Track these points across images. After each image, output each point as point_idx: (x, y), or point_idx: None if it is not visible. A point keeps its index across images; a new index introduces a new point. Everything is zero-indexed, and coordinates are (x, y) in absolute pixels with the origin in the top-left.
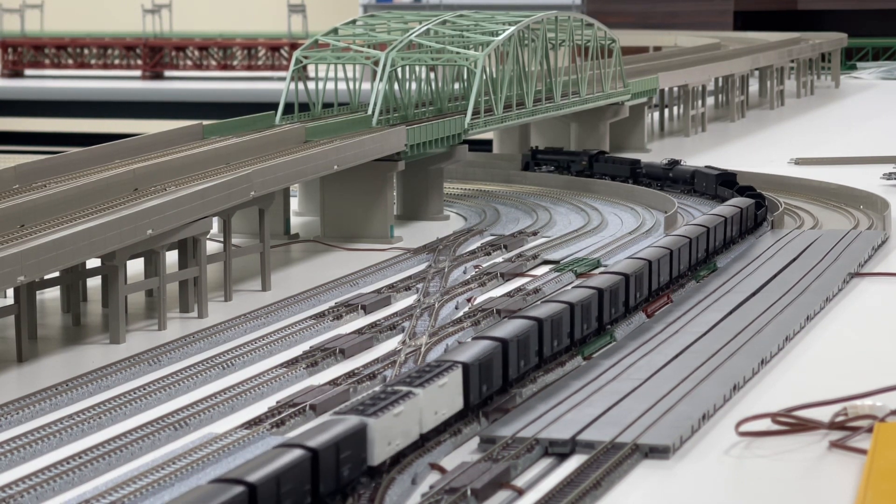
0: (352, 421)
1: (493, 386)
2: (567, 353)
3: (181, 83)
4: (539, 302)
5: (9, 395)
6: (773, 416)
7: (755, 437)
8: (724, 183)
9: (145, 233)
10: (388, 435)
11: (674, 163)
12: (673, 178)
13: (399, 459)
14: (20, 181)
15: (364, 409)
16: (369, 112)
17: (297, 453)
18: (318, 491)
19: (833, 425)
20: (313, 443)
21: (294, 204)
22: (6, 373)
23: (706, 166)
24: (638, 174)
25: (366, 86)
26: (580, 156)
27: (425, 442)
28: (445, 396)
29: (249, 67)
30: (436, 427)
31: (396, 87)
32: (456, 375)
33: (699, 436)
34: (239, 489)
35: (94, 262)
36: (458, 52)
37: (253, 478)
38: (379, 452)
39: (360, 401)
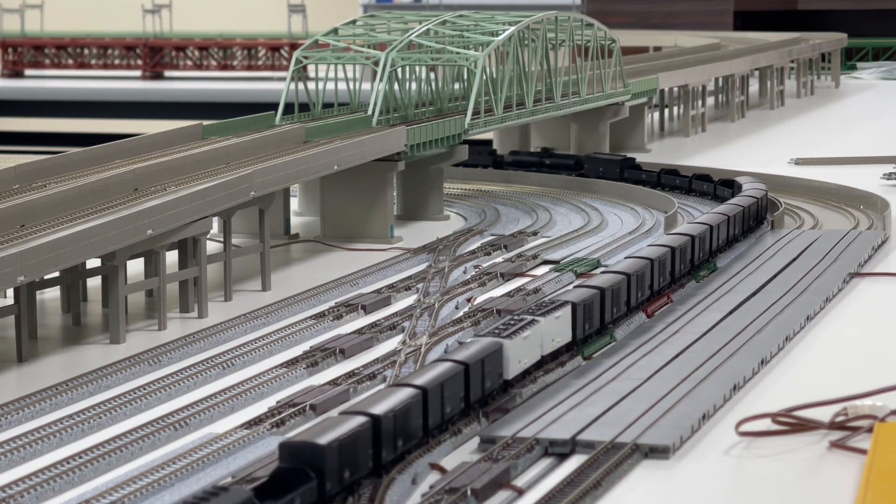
0: (492, 342)
1: (594, 326)
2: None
3: (181, 83)
4: (624, 258)
5: (9, 395)
6: (774, 416)
7: (755, 437)
8: (631, 167)
9: (145, 233)
10: (518, 354)
11: (546, 150)
12: (550, 165)
13: (525, 375)
14: (20, 181)
15: (499, 332)
16: (369, 112)
17: (454, 366)
18: (469, 397)
19: (833, 425)
20: (465, 358)
21: (294, 204)
22: (6, 373)
23: (596, 152)
24: (499, 163)
25: (366, 86)
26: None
27: (543, 364)
28: (560, 327)
29: (249, 67)
30: (552, 352)
31: (396, 87)
32: (567, 311)
33: (699, 436)
34: (412, 391)
35: (94, 262)
36: (458, 53)
37: (424, 382)
38: (512, 368)
39: (496, 326)
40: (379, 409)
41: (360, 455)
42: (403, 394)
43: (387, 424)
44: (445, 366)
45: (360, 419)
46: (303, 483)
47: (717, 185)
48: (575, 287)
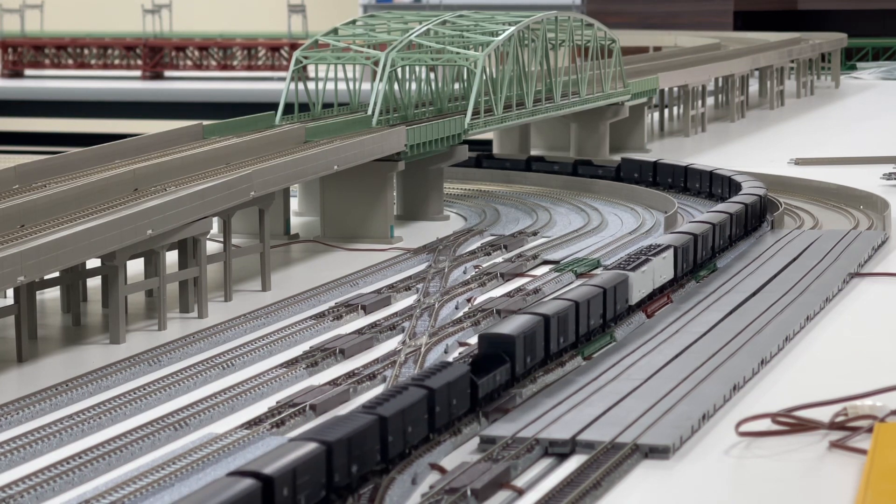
0: (618, 273)
1: (689, 266)
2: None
3: (181, 83)
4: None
5: (9, 395)
6: (773, 417)
7: (755, 437)
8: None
9: (145, 233)
10: (638, 284)
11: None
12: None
13: (645, 300)
14: (20, 181)
15: (624, 266)
16: (369, 112)
17: (593, 288)
18: (605, 315)
19: (833, 425)
20: (601, 283)
21: (294, 204)
22: (6, 373)
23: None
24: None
25: (366, 86)
26: None
27: (652, 297)
28: (665, 267)
29: (249, 67)
30: (660, 286)
31: (396, 87)
32: (670, 253)
33: (699, 436)
34: (534, 318)
35: (94, 262)
36: (458, 53)
37: (546, 310)
38: (635, 295)
39: (619, 261)
40: (547, 309)
41: (537, 346)
42: (563, 304)
43: (554, 323)
44: (586, 288)
45: (536, 318)
46: (500, 364)
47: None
48: (673, 232)
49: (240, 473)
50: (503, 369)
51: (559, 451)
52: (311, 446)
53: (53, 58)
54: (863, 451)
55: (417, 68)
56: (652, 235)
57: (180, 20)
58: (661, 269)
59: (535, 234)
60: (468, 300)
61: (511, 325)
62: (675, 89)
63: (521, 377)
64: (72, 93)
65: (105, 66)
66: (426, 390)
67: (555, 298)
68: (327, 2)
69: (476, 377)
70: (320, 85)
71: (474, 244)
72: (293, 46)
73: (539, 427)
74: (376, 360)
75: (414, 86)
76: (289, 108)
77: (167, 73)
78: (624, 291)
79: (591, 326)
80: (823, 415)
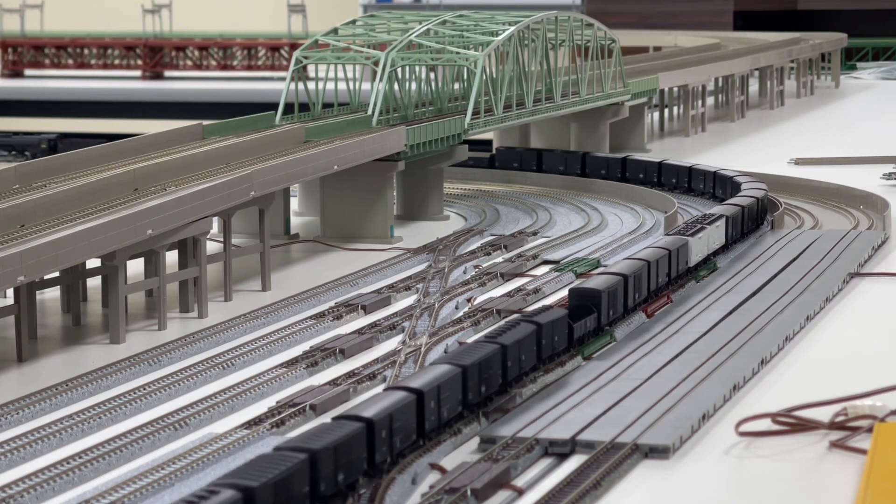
0: (679, 238)
1: (737, 235)
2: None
3: (181, 83)
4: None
5: (9, 395)
6: (773, 416)
7: (755, 437)
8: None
9: (145, 233)
10: (697, 248)
11: None
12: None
13: (701, 263)
14: (20, 181)
15: (683, 232)
16: (369, 112)
17: (658, 250)
18: (670, 273)
19: (833, 425)
20: (665, 245)
21: (294, 204)
22: (6, 373)
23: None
24: None
25: (366, 86)
26: None
27: (707, 261)
28: (717, 234)
29: (249, 67)
30: (713, 252)
31: (396, 87)
32: (722, 222)
33: (699, 436)
34: (615, 277)
35: (94, 262)
36: (458, 52)
37: (624, 270)
38: (693, 258)
39: (678, 228)
40: (624, 268)
41: (618, 301)
42: (637, 263)
43: (631, 281)
44: (651, 250)
45: (617, 277)
46: (589, 313)
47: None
48: (725, 205)
49: (346, 418)
50: (591, 318)
51: (559, 451)
52: (445, 368)
53: (53, 58)
54: (863, 451)
55: (417, 68)
56: (652, 235)
57: (180, 20)
58: (714, 237)
59: (535, 234)
60: (468, 300)
61: (597, 282)
62: (675, 89)
63: (604, 326)
64: (72, 93)
65: (105, 66)
66: (536, 325)
67: (626, 259)
68: (327, 2)
69: (572, 322)
70: (320, 85)
71: (474, 244)
72: (293, 46)
73: (539, 427)
74: (376, 360)
75: (414, 86)
76: (289, 108)
77: (167, 73)
78: (685, 254)
79: (658, 284)
80: (823, 415)
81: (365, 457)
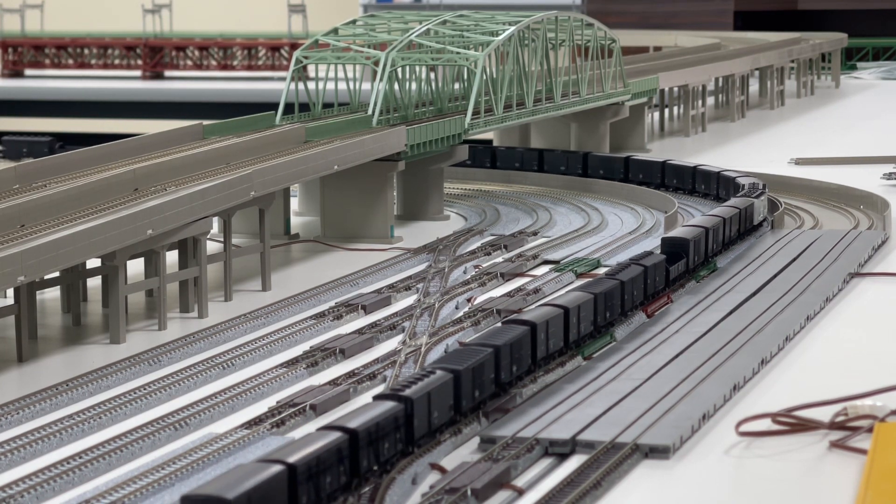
0: (746, 199)
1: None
2: None
3: (181, 83)
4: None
5: (9, 395)
6: (774, 417)
7: (755, 437)
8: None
9: (145, 233)
10: (759, 209)
11: None
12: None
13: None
14: (20, 181)
15: (749, 194)
16: (369, 112)
17: (717, 219)
18: (740, 230)
19: (833, 425)
20: (720, 213)
21: (294, 204)
22: (6, 373)
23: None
24: None
25: (366, 86)
26: None
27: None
28: (762, 205)
29: (249, 67)
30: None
31: (396, 87)
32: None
33: (699, 436)
34: (699, 229)
35: (94, 262)
36: (458, 52)
37: (706, 223)
38: (756, 217)
39: (746, 189)
40: (706, 222)
41: (701, 249)
42: (715, 219)
43: (712, 234)
44: (727, 208)
45: (700, 229)
46: (679, 259)
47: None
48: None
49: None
50: (681, 263)
51: (559, 450)
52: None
53: (53, 58)
54: (863, 451)
55: (417, 68)
56: (652, 235)
57: (180, 20)
58: (761, 207)
59: (535, 234)
60: (468, 300)
61: (684, 232)
62: (675, 89)
63: (691, 271)
64: (72, 93)
65: (105, 66)
66: (643, 268)
67: (705, 215)
68: (327, 2)
69: (668, 265)
70: (320, 85)
71: (474, 244)
72: (293, 46)
73: (539, 427)
74: (376, 360)
75: (414, 86)
76: (289, 108)
77: (167, 73)
78: (751, 213)
79: (731, 237)
80: (823, 415)
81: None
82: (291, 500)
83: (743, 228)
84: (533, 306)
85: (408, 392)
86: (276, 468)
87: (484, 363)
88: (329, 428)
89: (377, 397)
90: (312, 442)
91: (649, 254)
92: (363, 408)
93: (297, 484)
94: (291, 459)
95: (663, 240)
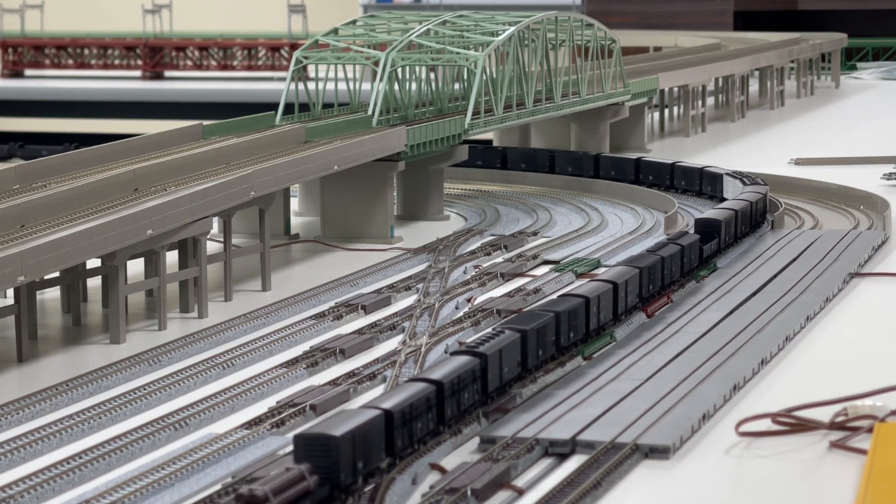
0: (764, 186)
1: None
2: None
3: (181, 83)
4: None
5: (9, 395)
6: (774, 417)
7: (755, 438)
8: None
9: (145, 233)
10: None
11: None
12: None
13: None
14: (20, 181)
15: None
16: (369, 112)
17: (745, 203)
18: (763, 213)
19: (833, 425)
20: (759, 191)
21: (294, 204)
22: (6, 373)
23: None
24: None
25: (366, 86)
26: None
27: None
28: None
29: (249, 67)
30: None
31: (396, 87)
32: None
33: (699, 436)
34: (729, 211)
35: (94, 262)
36: (458, 53)
37: (735, 206)
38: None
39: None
40: (735, 205)
41: (731, 230)
42: (743, 203)
43: (740, 216)
44: (751, 193)
45: (730, 211)
46: (713, 239)
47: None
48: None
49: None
50: (714, 242)
51: (559, 451)
52: (602, 285)
53: (53, 58)
54: (863, 451)
55: (417, 68)
56: (652, 235)
57: (180, 20)
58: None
59: (535, 234)
60: (468, 300)
61: (717, 213)
62: (675, 89)
63: (723, 249)
64: (72, 93)
65: (105, 66)
66: (680, 247)
67: (734, 199)
68: (327, 2)
69: (702, 244)
70: (320, 85)
71: (474, 244)
72: (293, 46)
73: (539, 427)
74: (376, 360)
75: (414, 86)
76: (289, 108)
77: (167, 73)
78: (766, 201)
79: (757, 220)
80: (823, 415)
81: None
82: (388, 442)
83: (762, 214)
84: (583, 282)
85: (482, 348)
86: (375, 413)
87: (546, 326)
88: (417, 380)
89: (454, 353)
90: (405, 391)
91: (685, 233)
92: (444, 361)
93: (394, 428)
94: (388, 406)
95: (697, 220)
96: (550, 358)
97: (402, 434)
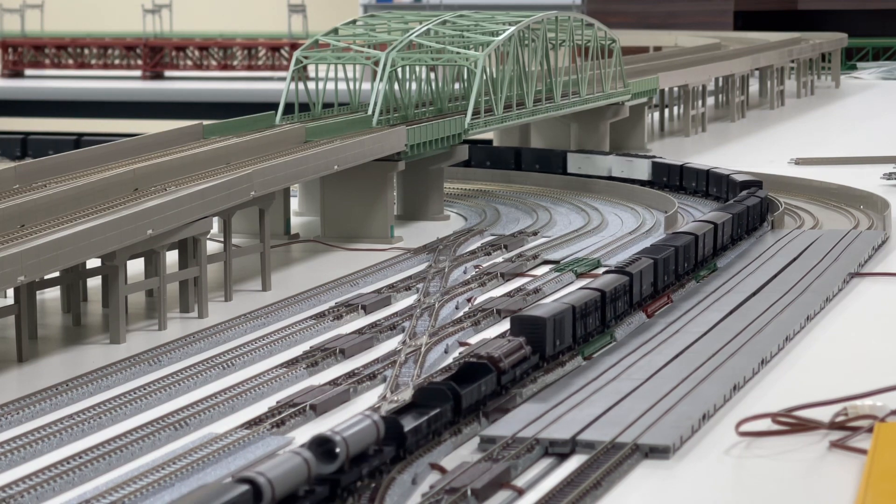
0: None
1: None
2: None
3: (181, 83)
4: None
5: (9, 395)
6: (774, 417)
7: (755, 437)
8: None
9: (145, 233)
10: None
11: None
12: None
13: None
14: (20, 181)
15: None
16: (369, 112)
17: (755, 200)
18: (768, 210)
19: (833, 425)
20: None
21: (294, 204)
22: (6, 373)
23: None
24: None
25: (366, 86)
26: None
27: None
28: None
29: (249, 67)
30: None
31: (396, 87)
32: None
33: (699, 436)
34: (743, 207)
35: (94, 262)
36: (458, 52)
37: (746, 205)
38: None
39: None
40: (749, 202)
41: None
42: (753, 200)
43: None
44: (753, 200)
45: (742, 207)
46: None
47: None
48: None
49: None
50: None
51: (559, 451)
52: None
53: (53, 58)
54: (863, 451)
55: (417, 68)
56: (652, 235)
57: (180, 20)
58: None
59: (535, 234)
60: (468, 300)
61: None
62: (675, 89)
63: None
64: (72, 93)
65: (105, 66)
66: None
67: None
68: (327, 2)
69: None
70: (320, 85)
71: (474, 244)
72: (293, 46)
73: (539, 427)
74: (376, 360)
75: (414, 86)
76: (289, 108)
77: (167, 73)
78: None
79: (762, 213)
80: (823, 415)
81: None
82: (573, 328)
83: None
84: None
85: (629, 268)
86: (565, 306)
87: (669, 257)
88: (586, 289)
89: (607, 271)
90: (580, 295)
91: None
92: (601, 277)
93: (575, 319)
94: (572, 302)
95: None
96: (673, 282)
97: (580, 325)
